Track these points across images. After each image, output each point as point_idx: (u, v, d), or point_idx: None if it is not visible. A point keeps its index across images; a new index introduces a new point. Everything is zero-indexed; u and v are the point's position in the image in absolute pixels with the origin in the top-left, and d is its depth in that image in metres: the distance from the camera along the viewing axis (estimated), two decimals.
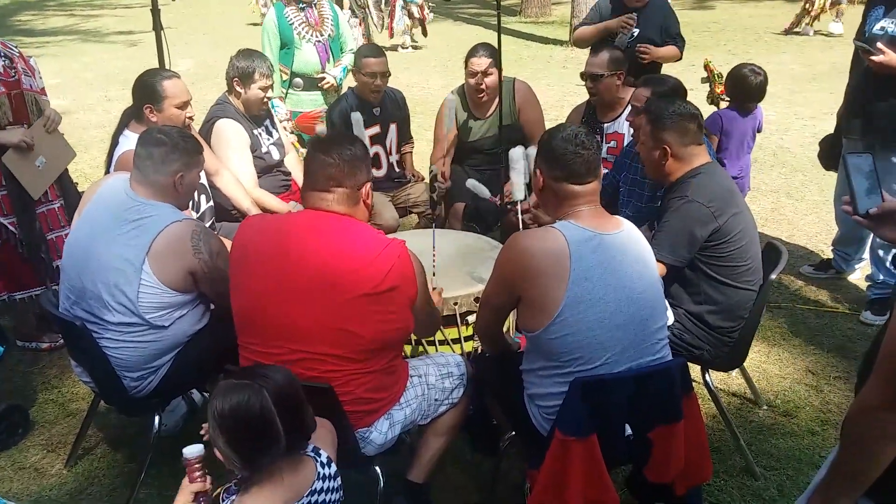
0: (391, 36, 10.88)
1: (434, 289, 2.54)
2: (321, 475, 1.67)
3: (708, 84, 4.01)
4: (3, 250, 3.21)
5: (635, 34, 4.22)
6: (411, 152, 4.24)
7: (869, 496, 1.32)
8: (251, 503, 1.55)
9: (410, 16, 10.81)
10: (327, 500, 1.67)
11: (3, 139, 3.12)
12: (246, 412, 1.53)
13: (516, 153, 3.09)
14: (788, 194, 5.22)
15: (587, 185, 2.06)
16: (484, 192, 3.32)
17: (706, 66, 4.07)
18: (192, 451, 1.72)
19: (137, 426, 2.81)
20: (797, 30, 11.13)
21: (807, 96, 7.71)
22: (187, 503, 1.70)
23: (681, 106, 2.54)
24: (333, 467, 1.71)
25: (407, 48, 11.11)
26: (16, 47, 3.36)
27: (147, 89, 2.99)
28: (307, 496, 1.60)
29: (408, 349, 2.81)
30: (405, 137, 4.13)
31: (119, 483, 2.65)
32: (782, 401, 3.01)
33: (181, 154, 2.40)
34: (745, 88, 3.80)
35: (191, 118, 3.08)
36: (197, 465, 1.72)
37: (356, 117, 3.61)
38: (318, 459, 1.71)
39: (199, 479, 1.72)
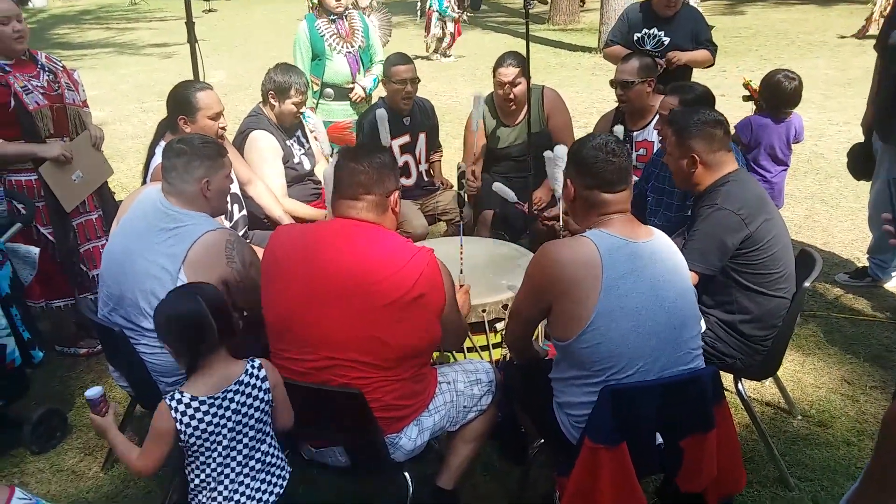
0: (427, 50, 11.02)
1: (462, 286, 2.55)
2: (249, 373, 1.99)
3: (752, 102, 3.95)
4: (42, 259, 3.25)
5: (665, 43, 4.20)
6: (440, 160, 4.27)
7: None
8: (190, 387, 1.94)
9: (443, 28, 10.95)
10: (252, 395, 1.97)
11: (42, 153, 3.20)
12: (187, 314, 1.93)
13: (560, 149, 3.04)
14: (823, 201, 5.14)
15: (619, 194, 2.05)
16: (509, 194, 3.30)
17: (746, 86, 4.01)
18: (94, 392, 2.02)
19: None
20: (871, 32, 10.42)
21: (841, 101, 7.59)
22: (113, 433, 2.03)
23: (705, 113, 2.53)
24: (264, 373, 2.01)
25: (449, 57, 11.21)
26: (60, 61, 3.47)
27: (181, 101, 3.05)
28: (234, 384, 1.94)
29: (435, 354, 2.82)
30: (434, 146, 4.16)
31: (154, 486, 2.69)
32: (817, 410, 2.96)
33: (203, 160, 2.43)
34: (779, 94, 3.74)
35: (223, 128, 3.14)
36: (102, 403, 2.02)
37: (381, 114, 3.61)
38: (252, 364, 2.01)
39: (105, 413, 2.03)
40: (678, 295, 2.03)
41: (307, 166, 3.72)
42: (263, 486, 2.00)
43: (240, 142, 3.55)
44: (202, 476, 1.95)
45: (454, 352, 2.82)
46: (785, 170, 3.86)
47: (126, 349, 2.34)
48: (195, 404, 1.89)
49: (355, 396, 1.99)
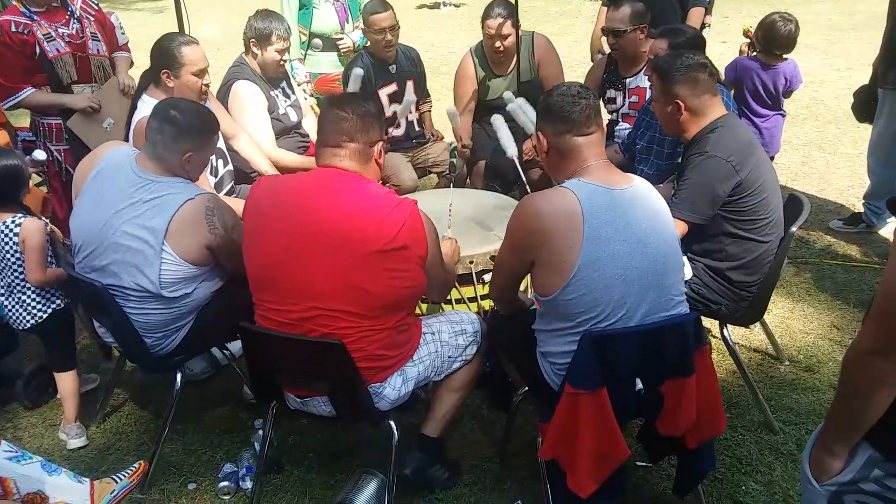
0: None
1: (448, 238, 2.54)
2: (7, 222, 2.54)
3: (751, 49, 3.87)
4: (50, 174, 3.59)
5: None
6: (430, 111, 4.20)
7: (868, 440, 1.30)
8: None
9: None
10: (4, 240, 2.54)
11: (70, 103, 3.38)
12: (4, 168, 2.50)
13: (497, 120, 3.09)
14: (821, 147, 5.07)
15: (591, 136, 2.02)
16: (509, 147, 3.20)
17: (747, 33, 3.91)
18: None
19: (162, 384, 2.89)
20: None
21: (844, 46, 7.45)
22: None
23: (688, 57, 2.47)
24: (21, 221, 2.54)
25: (448, 6, 10.99)
26: (97, 6, 3.58)
27: (165, 54, 2.99)
28: None
29: (423, 307, 2.83)
30: (423, 95, 4.10)
31: (145, 438, 2.73)
32: (805, 356, 2.97)
33: (193, 135, 2.37)
34: (772, 36, 3.66)
35: (207, 85, 3.08)
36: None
37: (356, 73, 3.56)
38: (14, 219, 2.55)
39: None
40: (661, 241, 2.01)
41: (293, 118, 3.67)
42: (30, 309, 2.63)
43: (223, 93, 3.50)
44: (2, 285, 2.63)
45: (442, 303, 2.82)
46: (779, 115, 3.79)
47: (111, 305, 2.34)
48: None
49: (337, 346, 1.99)
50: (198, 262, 2.35)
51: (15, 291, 2.62)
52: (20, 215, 2.58)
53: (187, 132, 2.36)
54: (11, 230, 2.54)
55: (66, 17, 3.42)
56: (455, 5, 11.05)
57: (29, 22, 3.32)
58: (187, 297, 2.38)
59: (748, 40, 3.93)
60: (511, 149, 3.13)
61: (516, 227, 2.06)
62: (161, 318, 2.38)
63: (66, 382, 2.72)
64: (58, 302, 2.67)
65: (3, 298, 2.64)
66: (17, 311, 2.64)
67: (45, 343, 2.75)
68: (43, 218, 2.72)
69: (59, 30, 3.38)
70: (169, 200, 2.31)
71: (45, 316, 2.64)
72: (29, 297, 2.63)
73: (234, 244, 2.35)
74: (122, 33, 3.73)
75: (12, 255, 2.57)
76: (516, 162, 3.49)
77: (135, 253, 2.29)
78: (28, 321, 2.64)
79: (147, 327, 2.39)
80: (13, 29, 3.30)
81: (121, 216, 2.31)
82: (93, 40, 3.47)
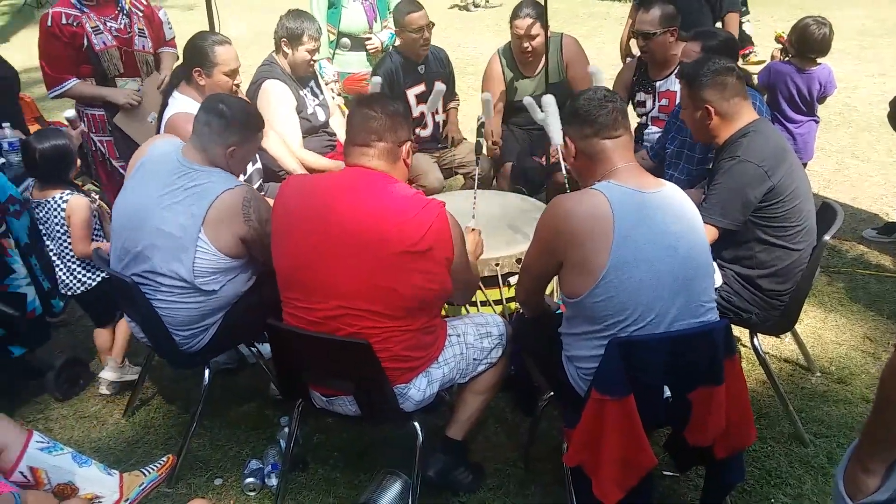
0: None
1: (472, 229, 2.53)
2: (55, 199, 2.81)
3: (783, 55, 3.83)
4: (96, 162, 3.71)
5: None
6: (456, 108, 4.19)
7: None
8: (34, 192, 2.88)
9: None
10: (53, 213, 2.81)
11: (110, 97, 3.49)
12: (55, 147, 2.80)
13: (548, 98, 3.00)
14: (854, 154, 4.99)
15: (619, 139, 2.01)
16: (537, 112, 3.11)
17: (779, 39, 3.86)
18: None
19: (191, 379, 2.92)
20: None
21: (877, 52, 7.30)
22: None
23: (715, 62, 2.44)
24: (67, 198, 2.81)
25: (479, 7, 10.98)
26: (146, 1, 3.67)
27: (198, 53, 3.02)
28: (45, 200, 2.82)
29: (447, 308, 2.82)
30: (451, 95, 4.09)
31: (173, 433, 2.76)
32: (837, 367, 2.92)
33: (240, 128, 2.41)
34: (806, 39, 3.60)
35: (237, 85, 3.11)
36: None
37: (375, 81, 3.58)
38: (63, 195, 2.81)
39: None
40: (691, 245, 1.99)
41: (321, 117, 3.69)
42: (79, 276, 2.88)
43: (253, 92, 3.53)
44: (51, 250, 2.87)
45: (467, 305, 2.82)
46: (813, 121, 3.73)
47: (142, 302, 2.36)
48: (32, 201, 2.86)
49: (363, 346, 1.99)
50: (232, 253, 2.37)
51: (65, 259, 2.86)
52: (68, 192, 2.82)
53: (234, 125, 2.39)
54: (59, 205, 2.79)
55: (116, 11, 3.51)
56: (486, 6, 11.03)
57: (79, 14, 3.41)
58: (217, 293, 2.39)
59: (780, 46, 3.88)
60: (557, 137, 3.05)
61: (545, 227, 2.05)
62: (189, 313, 2.39)
63: (102, 337, 2.99)
64: (104, 273, 2.85)
65: (56, 260, 2.88)
66: (67, 277, 2.87)
67: (90, 308, 2.96)
68: (92, 195, 2.92)
69: (108, 23, 3.46)
70: (209, 188, 2.34)
71: (93, 284, 2.88)
72: (77, 265, 2.87)
73: (268, 237, 2.36)
74: (170, 28, 3.81)
75: (60, 228, 2.82)
76: (541, 161, 3.48)
77: (172, 238, 2.32)
78: (78, 287, 2.88)
79: (176, 323, 2.41)
80: (63, 21, 3.39)
81: (161, 201, 2.35)
82: (139, 36, 3.55)
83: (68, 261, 2.85)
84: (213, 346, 2.51)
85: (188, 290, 2.36)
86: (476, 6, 10.98)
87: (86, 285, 2.87)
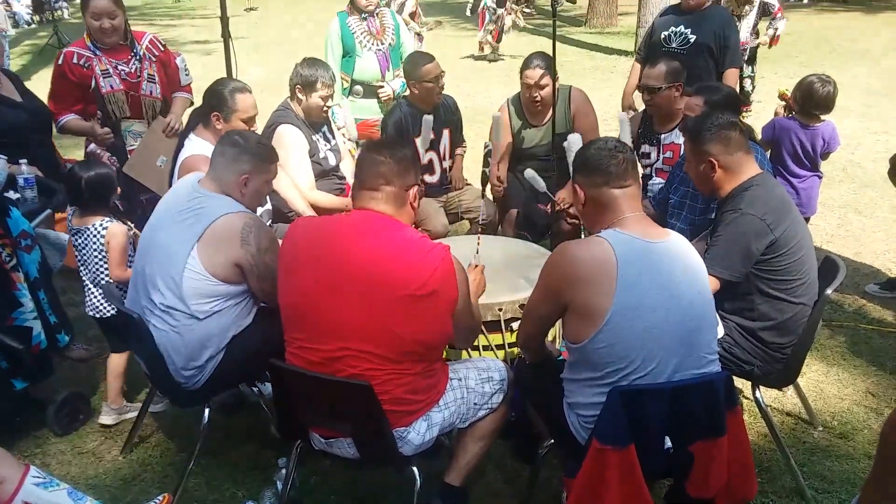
0: (481, 49, 11.09)
1: (474, 266, 2.55)
2: (95, 226, 2.90)
3: (787, 112, 3.91)
4: None
5: (691, 41, 4.17)
6: (463, 155, 4.25)
7: None
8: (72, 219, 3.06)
9: (497, 21, 10.93)
10: (94, 239, 2.91)
11: (95, 133, 3.55)
12: (97, 176, 2.92)
13: (574, 137, 3.12)
14: (857, 210, 5.02)
15: (627, 189, 2.05)
16: (540, 183, 3.30)
17: (782, 96, 3.95)
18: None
19: (190, 417, 2.91)
20: None
21: (881, 110, 7.42)
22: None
23: (718, 117, 2.50)
24: (105, 231, 2.90)
25: (495, 58, 11.24)
26: (163, 46, 3.78)
27: (218, 98, 3.09)
28: (85, 227, 2.92)
29: (449, 351, 2.82)
30: (458, 141, 4.17)
31: (170, 471, 2.74)
32: (839, 422, 2.90)
33: (252, 157, 2.48)
34: (810, 97, 3.68)
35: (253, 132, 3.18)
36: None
37: (427, 120, 3.67)
38: (102, 223, 2.91)
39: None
40: (695, 296, 2.01)
41: (332, 161, 3.75)
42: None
43: (267, 136, 3.59)
44: (85, 278, 2.98)
45: (469, 349, 2.82)
46: (816, 177, 3.78)
47: (146, 338, 2.39)
48: (71, 227, 3.00)
49: (364, 388, 2.00)
50: (223, 277, 2.38)
51: (98, 284, 2.94)
52: (108, 219, 2.93)
53: (247, 153, 2.48)
54: (99, 232, 2.91)
55: (129, 56, 3.61)
56: (498, 59, 11.28)
57: (91, 56, 3.52)
58: (206, 318, 2.39)
59: (783, 103, 3.96)
60: (542, 183, 3.28)
61: (550, 271, 2.08)
62: (181, 342, 2.40)
63: (118, 362, 2.98)
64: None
65: (89, 284, 2.97)
66: (97, 301, 2.96)
67: (114, 331, 2.99)
68: (128, 223, 3.02)
69: (119, 67, 3.57)
70: (212, 210, 2.40)
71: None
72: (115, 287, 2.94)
73: (266, 267, 2.40)
74: (187, 74, 3.90)
75: (98, 253, 2.92)
76: (546, 209, 3.54)
77: (168, 254, 2.38)
78: (108, 311, 2.95)
79: (174, 350, 2.40)
80: (74, 60, 3.50)
81: (166, 221, 2.45)
82: (148, 81, 3.63)
83: (102, 285, 2.94)
84: (214, 384, 2.51)
85: (175, 311, 2.37)
86: (492, 60, 11.22)
87: (115, 309, 2.89)
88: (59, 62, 3.51)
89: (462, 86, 9.21)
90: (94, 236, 2.90)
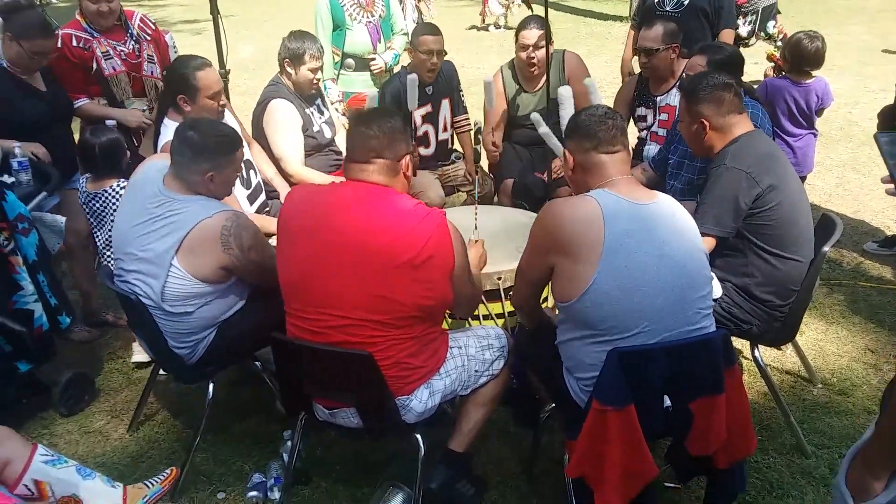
0: (483, 20, 10.99)
1: (475, 241, 2.56)
2: (113, 187, 3.05)
3: (776, 72, 3.92)
4: None
5: (685, 3, 4.13)
6: (469, 131, 4.16)
7: None
8: (87, 183, 3.11)
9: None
10: (111, 198, 3.05)
11: (122, 118, 3.50)
12: (108, 141, 3.10)
13: (564, 90, 3.07)
14: (855, 169, 5.01)
15: (616, 154, 2.05)
16: (544, 127, 3.21)
17: (770, 57, 3.96)
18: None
19: (195, 394, 2.94)
20: None
21: (878, 68, 7.36)
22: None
23: (714, 77, 2.49)
24: (125, 184, 2.93)
25: (500, 28, 11.15)
26: (153, 24, 3.75)
27: (181, 80, 3.02)
28: (102, 190, 3.06)
29: (449, 322, 2.84)
30: (459, 110, 4.11)
31: (177, 447, 2.77)
32: (838, 379, 2.92)
33: (212, 154, 2.39)
34: (800, 53, 3.67)
35: (223, 105, 3.14)
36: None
37: (411, 79, 3.59)
38: (120, 181, 3.04)
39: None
40: (685, 255, 2.01)
41: (327, 135, 3.73)
42: None
43: (259, 112, 3.58)
44: (102, 240, 3.08)
45: (470, 319, 2.83)
46: (811, 134, 3.77)
47: (142, 313, 2.40)
48: (85, 192, 3.08)
49: (366, 358, 2.01)
50: (211, 279, 2.38)
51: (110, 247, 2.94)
52: (123, 180, 3.03)
53: (205, 153, 2.38)
54: (118, 193, 3.02)
55: (126, 37, 3.59)
56: (507, 28, 11.18)
57: (90, 38, 3.50)
58: (192, 315, 2.40)
59: (772, 64, 3.95)
60: (545, 128, 3.18)
61: (538, 230, 2.09)
62: (179, 325, 2.42)
63: None
64: None
65: (104, 249, 3.06)
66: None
67: None
68: None
69: (118, 48, 3.55)
70: (186, 218, 2.34)
71: None
72: None
73: (253, 264, 2.40)
74: (175, 52, 3.87)
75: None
76: (544, 177, 3.52)
77: (148, 264, 2.37)
78: None
79: (170, 333, 2.43)
80: (74, 43, 3.47)
81: (137, 230, 2.40)
82: (148, 62, 3.63)
83: (102, 266, 2.99)
84: (211, 359, 2.52)
85: (158, 310, 2.39)
86: (498, 27, 11.13)
87: None
88: (58, 45, 3.44)
89: (456, 57, 9.14)
90: (114, 198, 3.03)
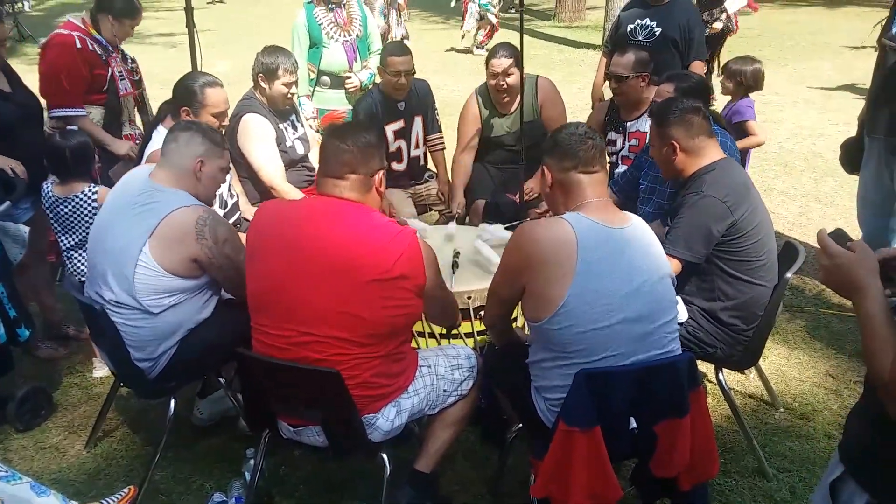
0: (463, 38, 11.13)
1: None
2: (85, 191, 3.00)
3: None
4: None
5: (657, 33, 4.21)
6: (443, 148, 4.19)
7: (862, 486, 1.31)
8: (55, 188, 3.04)
9: (482, 18, 11.05)
10: (84, 204, 3.00)
11: (112, 146, 3.49)
12: (77, 145, 3.03)
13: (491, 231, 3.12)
14: (818, 199, 5.14)
15: (595, 175, 2.07)
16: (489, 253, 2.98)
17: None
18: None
19: (156, 411, 2.87)
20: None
21: (842, 102, 7.57)
22: None
23: (682, 102, 2.55)
24: (97, 189, 3.03)
25: (481, 50, 11.27)
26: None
27: (189, 93, 3.04)
28: (73, 195, 2.99)
29: (422, 342, 2.83)
30: (433, 128, 4.13)
31: (136, 464, 2.71)
32: (800, 403, 2.96)
33: (205, 139, 2.46)
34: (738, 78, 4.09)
35: (224, 126, 3.15)
36: None
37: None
38: (90, 185, 3.03)
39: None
40: (654, 280, 2.03)
41: (300, 151, 3.72)
42: None
43: (233, 126, 3.55)
44: (67, 244, 3.05)
45: (438, 337, 2.82)
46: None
47: (105, 324, 2.35)
48: (53, 196, 3.01)
49: (332, 375, 1.99)
50: (180, 272, 2.35)
51: (84, 248, 2.95)
52: (93, 185, 3.04)
53: (199, 136, 2.46)
54: (91, 197, 3.01)
55: (119, 53, 3.63)
56: (478, 48, 11.31)
57: (108, 54, 3.52)
58: (162, 314, 2.36)
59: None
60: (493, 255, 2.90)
61: (511, 250, 2.10)
62: (139, 334, 2.37)
63: None
64: None
65: (72, 252, 3.04)
66: (83, 261, 2.98)
67: None
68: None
69: (124, 70, 3.60)
70: (163, 205, 2.34)
71: None
72: None
73: (226, 258, 2.37)
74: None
75: (89, 218, 2.97)
76: (515, 199, 3.53)
77: (120, 251, 2.33)
78: None
79: (131, 342, 2.37)
80: (93, 48, 3.44)
81: (118, 216, 2.40)
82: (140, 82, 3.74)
83: (66, 276, 2.97)
84: (169, 375, 2.46)
85: (126, 308, 2.34)
86: (480, 47, 11.27)
87: None
88: (78, 46, 3.36)
89: (432, 78, 9.22)
90: (86, 201, 3.00)
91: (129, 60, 3.70)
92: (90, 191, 3.01)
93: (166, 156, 2.45)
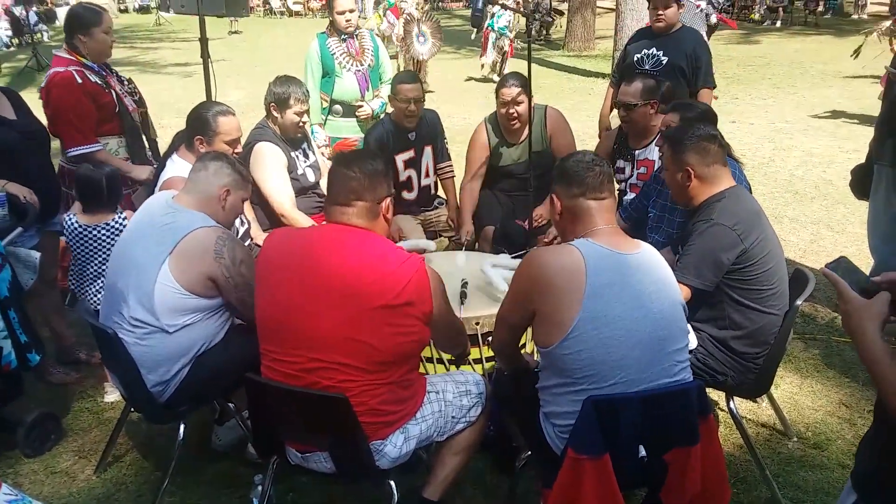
0: (483, 69, 11.31)
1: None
2: (116, 219, 3.10)
3: None
4: None
5: (664, 62, 4.25)
6: (453, 177, 4.24)
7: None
8: (80, 216, 3.11)
9: (500, 51, 11.27)
10: (114, 230, 3.09)
11: (133, 173, 3.54)
12: (101, 176, 3.07)
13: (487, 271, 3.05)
14: (829, 226, 5.12)
15: (603, 201, 2.08)
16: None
17: None
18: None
19: (166, 436, 2.88)
20: None
21: (851, 129, 7.58)
22: None
23: (700, 128, 2.56)
24: (125, 214, 3.15)
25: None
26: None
27: (202, 122, 3.09)
28: (104, 224, 3.09)
29: (430, 368, 2.83)
30: (442, 157, 4.18)
31: (145, 490, 2.71)
32: (813, 433, 2.93)
33: (234, 172, 2.55)
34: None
35: (237, 153, 3.19)
36: None
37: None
38: (120, 214, 3.14)
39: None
40: (664, 307, 2.03)
41: (311, 178, 3.77)
42: None
43: (245, 154, 3.59)
44: (92, 272, 3.10)
45: (447, 363, 2.82)
46: None
47: (118, 349, 2.37)
48: (80, 225, 3.06)
49: (340, 401, 2.00)
50: (198, 291, 2.39)
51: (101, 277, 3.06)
52: (123, 213, 3.15)
53: (229, 167, 2.55)
54: (122, 224, 3.10)
55: (113, 76, 3.65)
56: (500, 76, 11.47)
57: (106, 74, 3.55)
58: (178, 332, 2.39)
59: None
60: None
61: (520, 276, 2.11)
62: (154, 353, 2.39)
63: None
64: None
65: (96, 280, 3.10)
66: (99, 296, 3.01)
67: None
68: None
69: (123, 88, 3.63)
70: (183, 224, 2.41)
71: None
72: None
73: (242, 278, 2.40)
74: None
75: None
76: (524, 225, 3.54)
77: (140, 268, 2.38)
78: None
79: (143, 363, 2.39)
80: (93, 79, 3.47)
81: (139, 235, 2.46)
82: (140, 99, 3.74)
83: (78, 302, 2.99)
84: (180, 398, 2.48)
85: (143, 325, 2.37)
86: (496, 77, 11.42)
87: None
88: (79, 81, 3.36)
89: (442, 107, 9.31)
90: (118, 229, 3.08)
91: (126, 82, 3.71)
92: (122, 217, 3.11)
93: (194, 182, 2.52)
